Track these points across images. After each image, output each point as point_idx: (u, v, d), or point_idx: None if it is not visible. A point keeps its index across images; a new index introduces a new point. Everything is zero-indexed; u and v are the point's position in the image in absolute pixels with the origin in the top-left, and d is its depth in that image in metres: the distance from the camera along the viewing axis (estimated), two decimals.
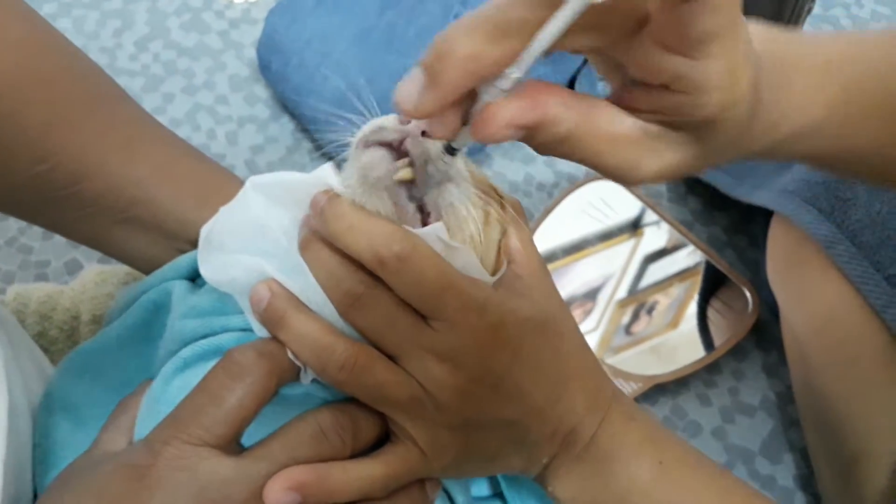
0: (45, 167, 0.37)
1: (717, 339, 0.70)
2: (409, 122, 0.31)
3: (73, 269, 0.72)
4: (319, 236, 0.31)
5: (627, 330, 0.72)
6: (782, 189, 0.62)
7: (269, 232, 0.33)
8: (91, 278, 0.60)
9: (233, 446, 0.30)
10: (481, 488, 0.41)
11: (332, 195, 0.31)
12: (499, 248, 0.33)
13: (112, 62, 0.87)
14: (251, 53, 0.90)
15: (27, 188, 0.38)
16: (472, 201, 0.32)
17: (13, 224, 0.75)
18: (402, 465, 0.32)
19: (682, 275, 0.75)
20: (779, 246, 0.65)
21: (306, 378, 0.32)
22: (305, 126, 0.83)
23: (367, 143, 0.31)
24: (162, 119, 0.65)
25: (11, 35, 0.36)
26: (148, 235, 0.42)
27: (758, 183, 0.66)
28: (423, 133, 0.30)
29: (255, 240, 0.33)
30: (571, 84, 0.87)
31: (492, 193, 0.33)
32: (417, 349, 0.30)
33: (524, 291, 0.33)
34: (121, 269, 0.60)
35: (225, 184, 0.42)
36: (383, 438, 0.33)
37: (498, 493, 0.41)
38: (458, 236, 0.31)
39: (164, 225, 0.42)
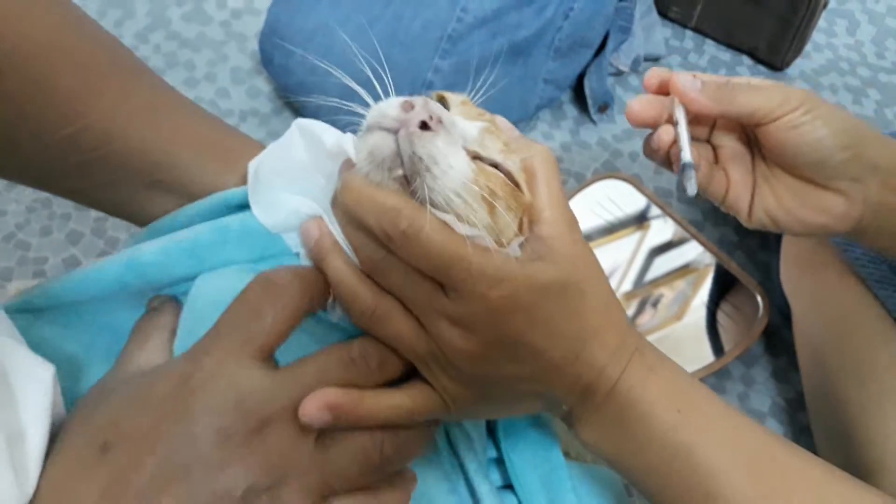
0: (73, 129, 0.39)
1: (727, 344, 0.69)
2: (412, 108, 0.31)
3: (72, 265, 0.71)
4: None
5: (632, 322, 0.70)
6: None
7: (311, 174, 0.35)
8: None
9: (269, 360, 0.31)
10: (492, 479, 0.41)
11: (349, 164, 0.33)
12: (520, 223, 0.33)
13: None
14: (254, 45, 0.88)
15: (55, 151, 0.39)
16: (468, 198, 0.31)
17: (10, 220, 0.73)
18: (425, 403, 0.34)
19: (687, 268, 0.74)
20: (794, 249, 0.63)
21: (335, 314, 0.34)
22: None
23: (372, 128, 0.32)
24: None
25: (40, 6, 0.38)
26: (173, 200, 0.42)
27: None
28: (424, 125, 0.31)
29: (299, 180, 0.36)
30: (580, 77, 0.86)
31: (500, 188, 0.33)
32: (432, 312, 0.32)
33: (545, 253, 0.33)
34: None
35: (248, 150, 0.43)
36: (406, 375, 0.35)
37: (508, 486, 0.41)
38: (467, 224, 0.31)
39: (189, 189, 0.42)
